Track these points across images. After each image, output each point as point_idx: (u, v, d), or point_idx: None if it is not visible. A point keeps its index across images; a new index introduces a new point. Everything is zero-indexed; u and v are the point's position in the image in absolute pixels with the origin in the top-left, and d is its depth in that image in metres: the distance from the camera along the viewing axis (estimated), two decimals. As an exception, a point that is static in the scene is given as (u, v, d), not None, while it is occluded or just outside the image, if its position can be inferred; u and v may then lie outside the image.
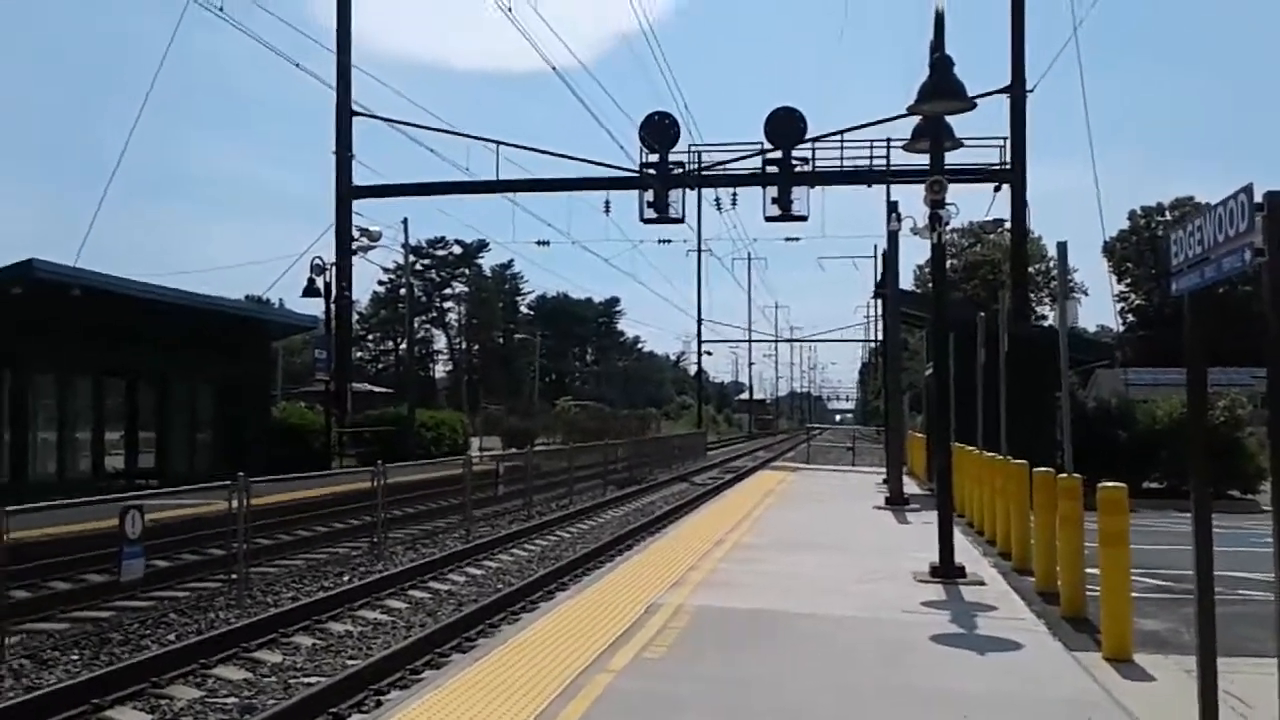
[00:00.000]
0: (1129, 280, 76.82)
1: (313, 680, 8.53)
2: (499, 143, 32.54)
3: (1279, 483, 4.43)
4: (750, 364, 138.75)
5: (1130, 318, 75.48)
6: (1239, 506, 18.19)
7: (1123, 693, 6.14)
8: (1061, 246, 12.37)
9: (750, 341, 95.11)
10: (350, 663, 9.17)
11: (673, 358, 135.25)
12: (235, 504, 12.45)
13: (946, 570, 10.11)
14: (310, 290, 30.82)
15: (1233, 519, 14.49)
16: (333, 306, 31.45)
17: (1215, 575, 5.42)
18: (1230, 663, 5.95)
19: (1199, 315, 5.46)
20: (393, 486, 17.13)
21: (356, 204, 33.85)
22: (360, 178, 34.06)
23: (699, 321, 74.59)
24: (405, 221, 38.57)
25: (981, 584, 9.93)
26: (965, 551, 11.47)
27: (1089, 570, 7.98)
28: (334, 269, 31.74)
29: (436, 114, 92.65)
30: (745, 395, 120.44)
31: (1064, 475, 9.03)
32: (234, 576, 12.22)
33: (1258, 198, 4.53)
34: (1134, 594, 7.46)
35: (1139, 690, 6.23)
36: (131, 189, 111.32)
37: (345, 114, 33.37)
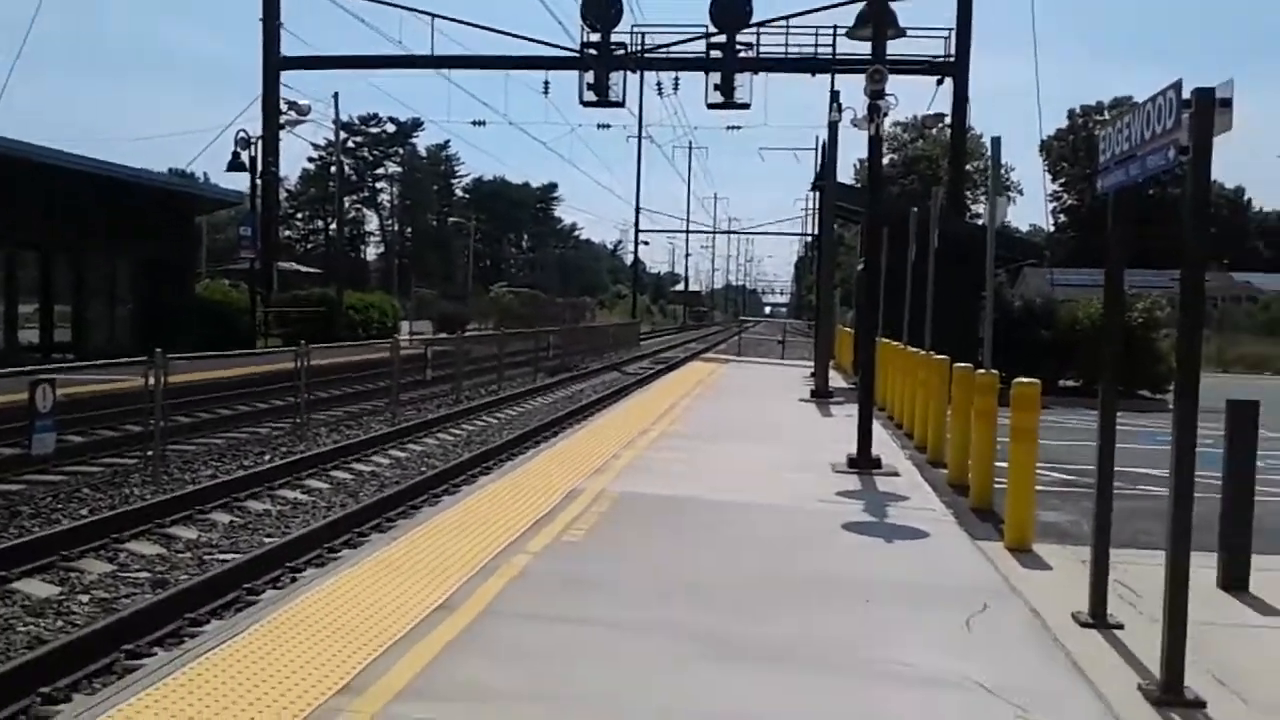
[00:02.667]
0: (1063, 180, 77.68)
1: (228, 557, 8.50)
2: (434, 15, 31.44)
3: (1183, 379, 4.52)
4: (687, 255, 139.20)
5: (1062, 218, 76.64)
6: (1150, 406, 18.76)
7: (1019, 580, 6.35)
8: (995, 141, 12.32)
9: (688, 232, 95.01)
10: (267, 540, 9.13)
11: (610, 246, 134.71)
12: (152, 380, 12.18)
13: (863, 461, 10.32)
14: (235, 164, 29.81)
15: (1142, 418, 14.95)
16: (259, 182, 30.51)
17: (1118, 471, 5.58)
18: (1125, 554, 6.19)
19: (1123, 214, 5.48)
20: (317, 368, 16.93)
21: (285, 76, 32.64)
22: (289, 48, 32.84)
23: (637, 210, 74.01)
24: (336, 96, 37.63)
25: (896, 475, 10.16)
26: (884, 444, 11.71)
27: (1000, 464, 8.17)
28: (260, 143, 30.71)
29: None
30: (681, 286, 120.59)
31: (981, 371, 9.17)
32: (150, 453, 12.03)
33: (1186, 94, 4.49)
34: (1040, 487, 7.69)
35: (1035, 578, 6.45)
36: (49, 58, 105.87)
37: (272, -22, 31.88)
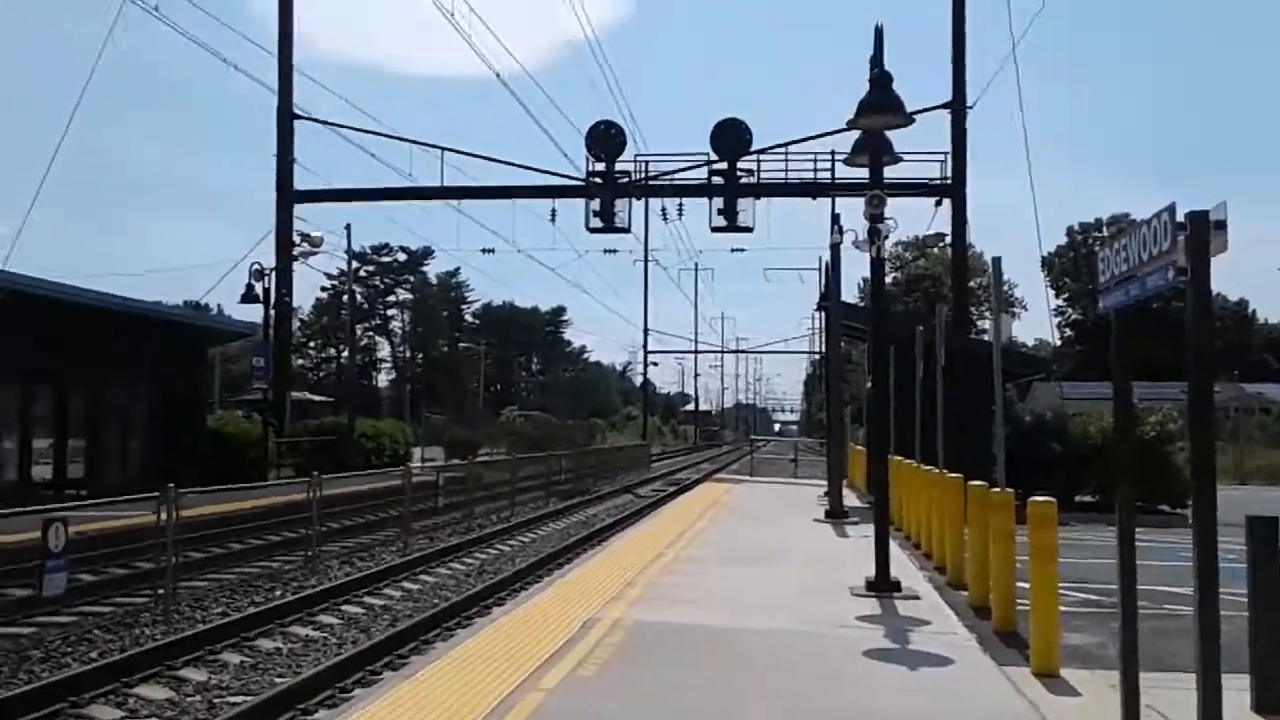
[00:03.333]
0: (1067, 295, 78.46)
1: (238, 700, 8.33)
2: (443, 148, 32.31)
3: (1200, 494, 4.50)
4: (696, 375, 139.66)
5: (1068, 332, 77.08)
6: (1170, 521, 18.53)
7: (1049, 708, 6.19)
8: (996, 261, 12.55)
9: (696, 352, 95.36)
10: (278, 681, 8.97)
11: (619, 368, 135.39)
12: (164, 516, 12.15)
13: (882, 585, 10.16)
14: (249, 296, 30.27)
15: (1162, 534, 14.74)
16: (272, 312, 30.94)
17: (1142, 590, 5.50)
18: (1154, 677, 6.03)
19: (1125, 332, 5.54)
20: (329, 498, 16.89)
21: (298, 208, 33.37)
22: (302, 182, 33.63)
23: (645, 332, 74.73)
24: (348, 227, 38.23)
25: (916, 598, 9.99)
26: (902, 565, 11.55)
27: (1021, 584, 8.05)
28: (274, 274, 31.26)
29: (379, 119, 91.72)
30: (691, 406, 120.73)
31: (997, 489, 9.12)
32: (161, 591, 11.91)
33: (1180, 217, 4.60)
34: (1063, 608, 7.55)
35: (1064, 706, 6.28)
36: (67, 192, 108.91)
37: (287, 117, 32.92)
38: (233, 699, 8.43)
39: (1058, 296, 78.29)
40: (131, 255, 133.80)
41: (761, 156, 31.70)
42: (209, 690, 8.75)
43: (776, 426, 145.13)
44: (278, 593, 13.42)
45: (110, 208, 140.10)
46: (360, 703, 6.25)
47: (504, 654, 7.28)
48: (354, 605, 12.66)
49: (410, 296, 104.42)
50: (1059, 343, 72.22)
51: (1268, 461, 36.79)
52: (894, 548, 11.06)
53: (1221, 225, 4.53)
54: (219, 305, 60.39)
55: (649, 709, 6.11)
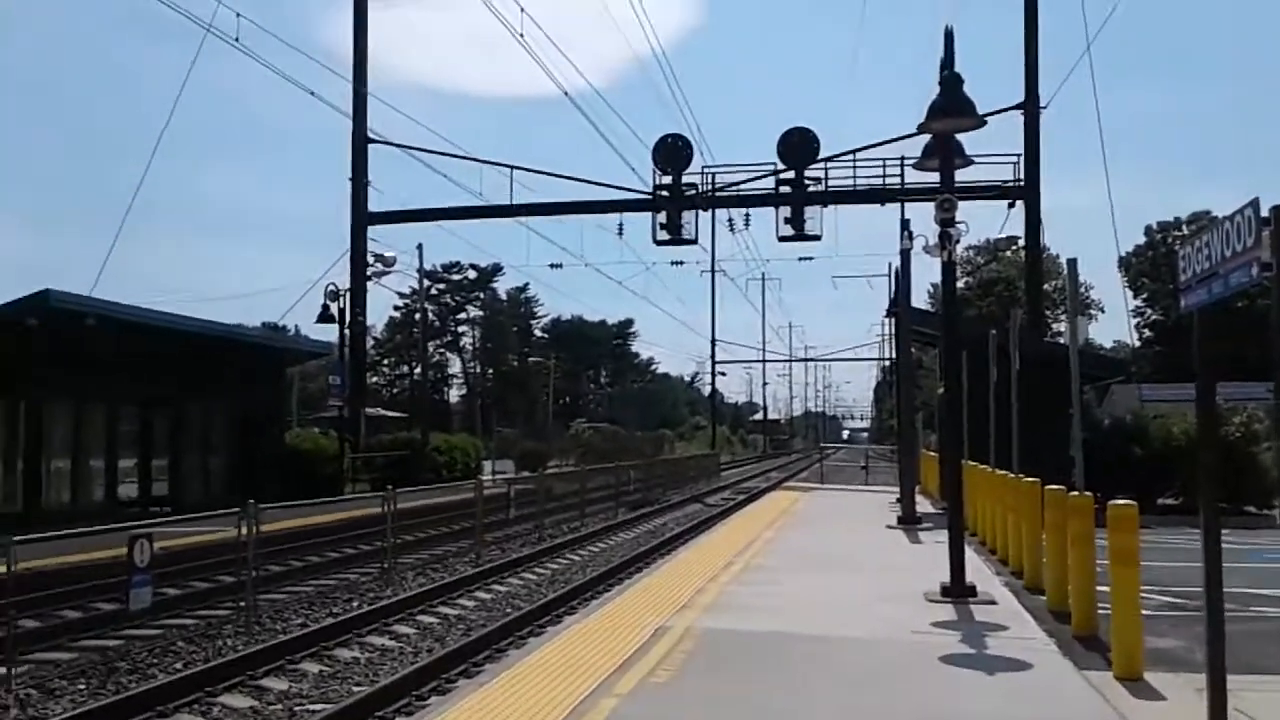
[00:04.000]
0: (1145, 295, 76.42)
1: (318, 708, 8.49)
2: (512, 167, 32.73)
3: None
4: (764, 384, 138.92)
5: (1147, 333, 75.11)
6: (1255, 522, 17.97)
7: (1133, 712, 6.04)
8: (1071, 263, 12.33)
9: (764, 362, 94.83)
10: (356, 689, 9.12)
11: (687, 378, 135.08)
12: (245, 531, 12.44)
13: (958, 590, 10.00)
14: (325, 316, 30.92)
15: (1248, 535, 14.31)
16: (347, 332, 31.54)
17: (1228, 592, 5.35)
18: (1242, 680, 5.86)
19: (1208, 331, 5.41)
20: (403, 511, 17.11)
21: (372, 229, 34.07)
22: (375, 204, 34.33)
23: (713, 342, 74.47)
24: (420, 247, 38.91)
25: (993, 603, 9.81)
26: (977, 570, 11.35)
27: (1100, 588, 7.87)
28: (349, 295, 31.87)
29: (450, 139, 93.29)
30: (759, 415, 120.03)
31: (1075, 493, 8.93)
32: (242, 604, 12.19)
33: (1264, 212, 4.48)
34: (1145, 612, 7.37)
35: (1149, 709, 6.13)
36: (149, 219, 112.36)
37: (361, 142, 33.65)
38: (313, 707, 8.59)
39: (1136, 297, 76.30)
40: (212, 282, 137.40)
41: (829, 164, 31.56)
42: (290, 699, 8.93)
43: (845, 433, 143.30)
44: (355, 604, 13.64)
45: (190, 236, 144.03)
46: (436, 710, 6.33)
47: (577, 661, 7.31)
48: (429, 615, 12.82)
49: (480, 313, 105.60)
50: (1138, 344, 70.47)
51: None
52: (969, 553, 10.88)
53: (1306, 219, 4.41)
54: (296, 326, 61.62)
55: (722, 715, 6.09)
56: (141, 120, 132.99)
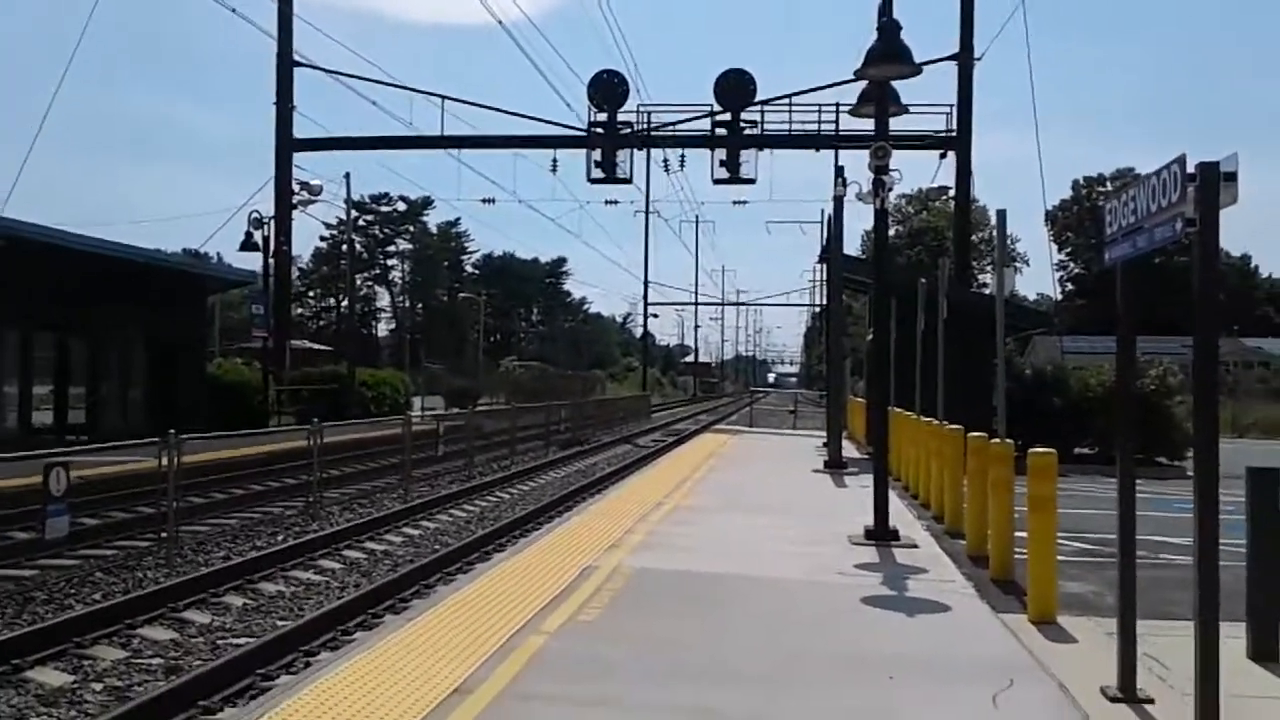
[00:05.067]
0: (1069, 249, 78.14)
1: (241, 641, 8.42)
2: (444, 97, 32.08)
3: (1202, 447, 4.50)
4: (696, 327, 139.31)
5: (1069, 286, 76.90)
6: (1167, 473, 18.63)
7: (1045, 654, 6.25)
8: (1000, 214, 12.45)
9: (696, 304, 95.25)
10: (281, 623, 9.05)
11: (619, 319, 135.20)
12: (166, 461, 12.20)
13: (881, 533, 10.23)
14: (248, 244, 30.16)
15: (1159, 485, 14.83)
16: (271, 261, 30.84)
17: (1139, 540, 5.53)
18: (1150, 625, 6.09)
19: (1130, 284, 5.52)
20: (330, 445, 16.95)
21: (298, 157, 33.20)
22: (301, 130, 33.45)
23: (646, 283, 74.49)
24: (347, 176, 37.82)
25: (914, 547, 10.06)
26: (900, 515, 11.60)
27: (1019, 534, 8.10)
28: (273, 223, 31.11)
29: (380, 66, 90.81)
30: (691, 358, 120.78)
31: (996, 441, 9.14)
32: (164, 535, 11.99)
33: (1190, 168, 4.55)
34: (1060, 557, 7.60)
35: (1061, 651, 6.35)
36: (64, 140, 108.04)
37: (286, 65, 32.64)
38: (236, 640, 8.51)
39: (1060, 251, 77.97)
40: (130, 204, 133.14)
41: (765, 108, 31.46)
42: (212, 632, 8.84)
43: (771, 377, 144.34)
44: (279, 538, 13.51)
45: (108, 157, 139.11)
46: (362, 645, 6.30)
47: (505, 599, 7.33)
48: (355, 550, 12.74)
49: (410, 246, 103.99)
50: (1060, 297, 72.06)
51: (1265, 415, 36.92)
52: (893, 498, 11.12)
53: (1232, 177, 4.49)
54: (218, 254, 60.22)
55: (647, 653, 6.17)
56: (51, 36, 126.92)
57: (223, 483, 16.99)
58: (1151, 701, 5.28)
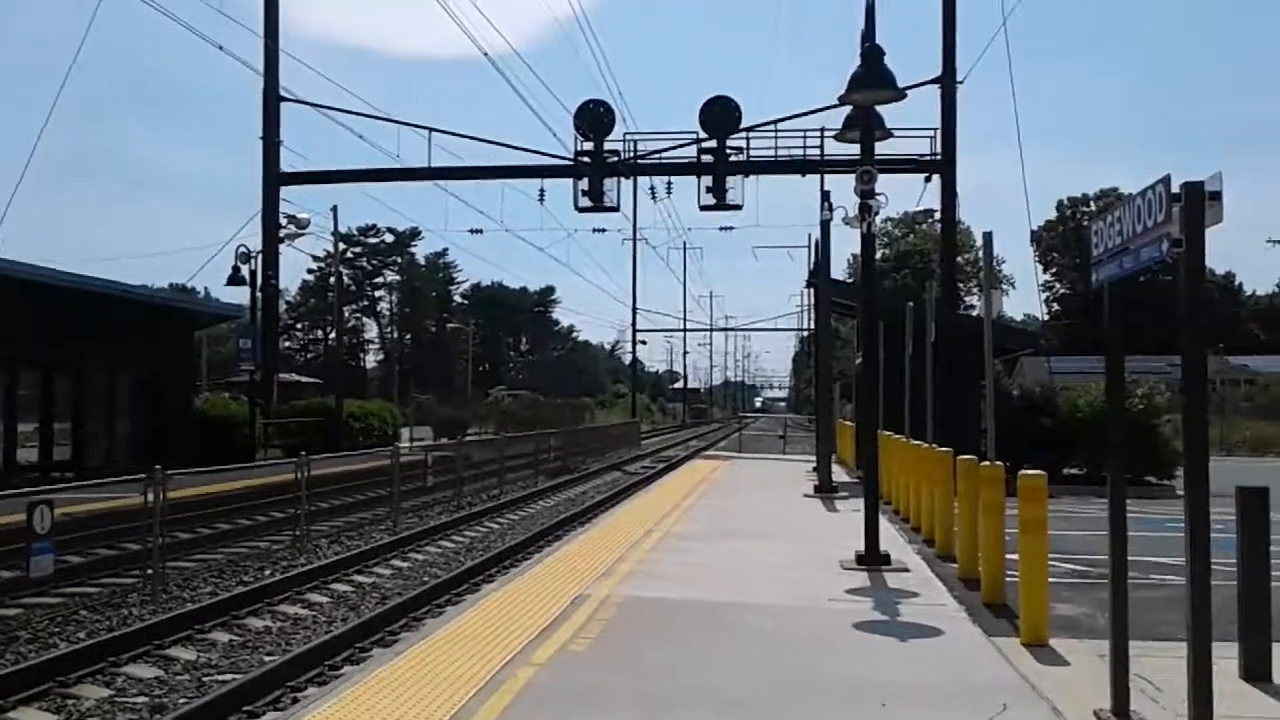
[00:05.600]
0: (1055, 269, 78.59)
1: (227, 678, 8.31)
2: (430, 129, 32.14)
3: (1192, 468, 4.49)
4: (685, 353, 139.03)
5: (1055, 306, 77.29)
6: (1156, 492, 18.64)
7: (1038, 677, 6.21)
8: (987, 236, 12.47)
9: (685, 331, 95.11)
10: (268, 659, 8.95)
11: (607, 347, 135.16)
12: (151, 497, 12.09)
13: (872, 558, 10.18)
14: (235, 278, 30.05)
15: (1149, 505, 14.83)
16: (259, 295, 30.76)
17: (1130, 560, 5.50)
18: (1143, 646, 6.06)
19: (1118, 305, 5.52)
20: (317, 478, 16.84)
21: (285, 191, 33.21)
22: (288, 164, 33.46)
23: (634, 311, 74.36)
24: (335, 209, 37.96)
25: (906, 571, 10.02)
26: (891, 539, 11.58)
27: (1010, 556, 8.07)
28: (260, 256, 31.06)
29: (366, 99, 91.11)
30: (680, 384, 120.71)
31: (986, 463, 9.12)
32: (149, 571, 11.87)
33: (1175, 189, 4.57)
34: (1051, 579, 7.57)
35: (1054, 674, 6.30)
36: (50, 176, 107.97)
37: (273, 99, 32.69)
38: (221, 677, 8.40)
39: (1045, 271, 78.40)
40: (117, 240, 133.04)
41: (751, 134, 31.63)
42: (198, 669, 8.73)
43: (758, 401, 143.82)
44: (266, 572, 13.38)
45: (93, 193, 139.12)
46: (350, 680, 6.23)
47: (495, 630, 7.26)
48: (343, 584, 12.63)
49: (398, 277, 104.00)
50: (1046, 317, 72.39)
51: (1254, 433, 37.03)
52: (884, 522, 11.08)
53: (1216, 196, 4.51)
54: (205, 288, 60.00)
55: (639, 683, 6.10)
56: (38, 73, 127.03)
57: (209, 518, 16.85)
58: (1146, 723, 5.24)
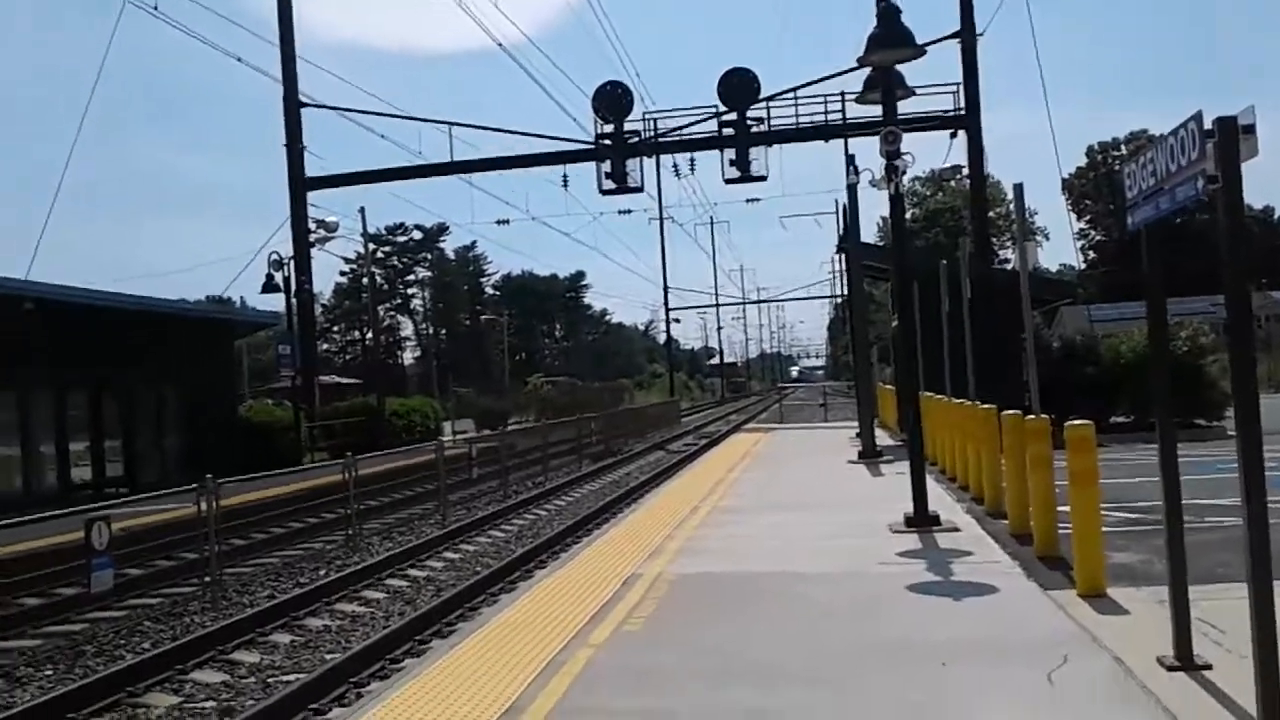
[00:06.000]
0: (1088, 217, 77.48)
1: (291, 678, 8.45)
2: (451, 124, 32.19)
3: (1243, 407, 4.41)
4: (719, 328, 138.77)
5: (1091, 254, 76.26)
6: (1205, 434, 18.39)
7: (1098, 627, 6.16)
8: (1018, 188, 12.32)
9: (717, 306, 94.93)
10: (329, 657, 9.08)
11: (641, 327, 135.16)
12: (204, 506, 12.29)
13: (921, 519, 10.14)
14: (269, 286, 30.32)
15: (1199, 447, 14.63)
16: (293, 300, 31.03)
17: (1183, 504, 5.44)
18: (1202, 590, 5.98)
19: (1156, 247, 5.43)
20: (365, 477, 17.03)
21: (311, 195, 33.39)
22: (312, 168, 33.62)
23: (665, 289, 74.41)
24: (362, 210, 38.19)
25: (956, 530, 9.96)
26: (939, 499, 11.52)
27: (1061, 508, 8.00)
28: (293, 263, 31.32)
29: (384, 99, 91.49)
30: (716, 360, 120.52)
31: (1031, 416, 9.04)
32: (208, 579, 12.07)
33: (1207, 124, 4.47)
34: (1105, 528, 7.49)
35: (1113, 623, 6.25)
36: (80, 196, 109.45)
37: (293, 106, 32.87)
38: (286, 677, 8.54)
39: (1079, 220, 77.31)
40: (148, 256, 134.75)
41: (771, 104, 31.32)
42: (262, 670, 8.88)
43: (794, 371, 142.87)
44: (322, 572, 13.57)
45: (124, 211, 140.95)
46: (411, 672, 6.30)
47: (550, 615, 7.32)
48: (398, 579, 12.78)
49: (429, 273, 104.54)
50: (1083, 266, 71.42)
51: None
52: (931, 483, 11.03)
53: (1250, 129, 4.40)
54: (241, 298, 60.68)
55: (696, 657, 6.13)
56: (61, 94, 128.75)
57: (262, 523, 17.09)
58: (1210, 667, 5.18)
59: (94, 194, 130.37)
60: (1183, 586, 5.31)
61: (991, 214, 44.31)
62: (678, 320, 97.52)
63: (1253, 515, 4.32)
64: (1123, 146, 73.11)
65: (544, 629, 6.90)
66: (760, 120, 31.44)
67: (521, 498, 20.57)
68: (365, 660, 8.63)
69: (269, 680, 8.55)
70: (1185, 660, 5.26)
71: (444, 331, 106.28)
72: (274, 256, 30.36)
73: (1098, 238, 76.63)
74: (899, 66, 11.68)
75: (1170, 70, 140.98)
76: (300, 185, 33.10)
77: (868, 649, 6.12)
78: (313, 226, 33.08)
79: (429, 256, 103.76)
